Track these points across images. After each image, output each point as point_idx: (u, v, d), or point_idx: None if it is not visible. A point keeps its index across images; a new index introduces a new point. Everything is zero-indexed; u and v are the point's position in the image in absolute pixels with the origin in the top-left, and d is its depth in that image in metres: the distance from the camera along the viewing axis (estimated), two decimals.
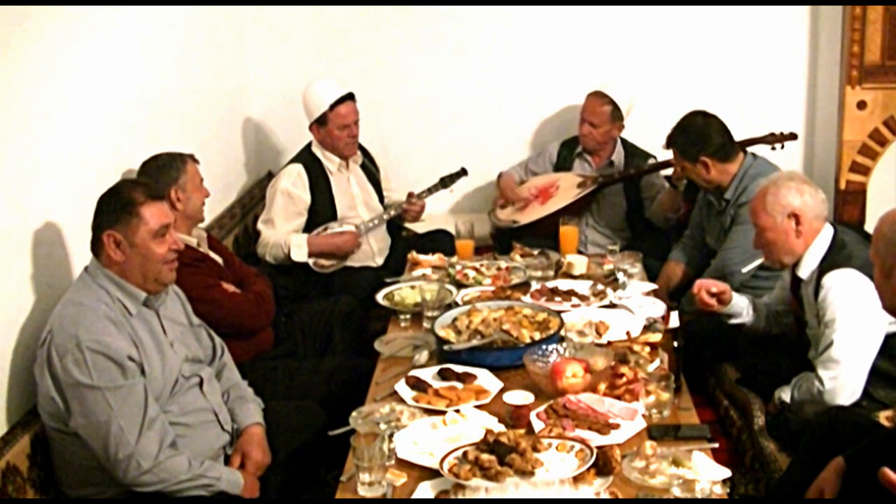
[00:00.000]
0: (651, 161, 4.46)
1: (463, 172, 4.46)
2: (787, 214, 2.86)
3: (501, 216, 4.58)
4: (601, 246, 4.37)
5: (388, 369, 2.95)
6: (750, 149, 3.81)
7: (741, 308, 3.16)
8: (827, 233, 2.88)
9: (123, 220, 2.44)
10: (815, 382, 2.75)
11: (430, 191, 4.39)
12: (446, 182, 4.42)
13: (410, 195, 4.36)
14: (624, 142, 4.57)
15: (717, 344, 3.51)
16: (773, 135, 4.13)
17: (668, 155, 3.91)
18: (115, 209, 2.45)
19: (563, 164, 4.60)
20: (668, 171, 4.23)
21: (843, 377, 2.72)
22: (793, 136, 4.15)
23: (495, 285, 3.56)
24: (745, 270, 3.24)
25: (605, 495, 2.14)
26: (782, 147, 4.12)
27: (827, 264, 2.82)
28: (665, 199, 4.29)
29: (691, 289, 3.75)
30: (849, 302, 2.72)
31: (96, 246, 2.47)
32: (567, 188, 4.45)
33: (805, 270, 2.90)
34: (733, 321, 3.19)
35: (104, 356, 2.31)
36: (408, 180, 4.53)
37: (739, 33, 4.84)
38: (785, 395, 2.88)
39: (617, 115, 4.41)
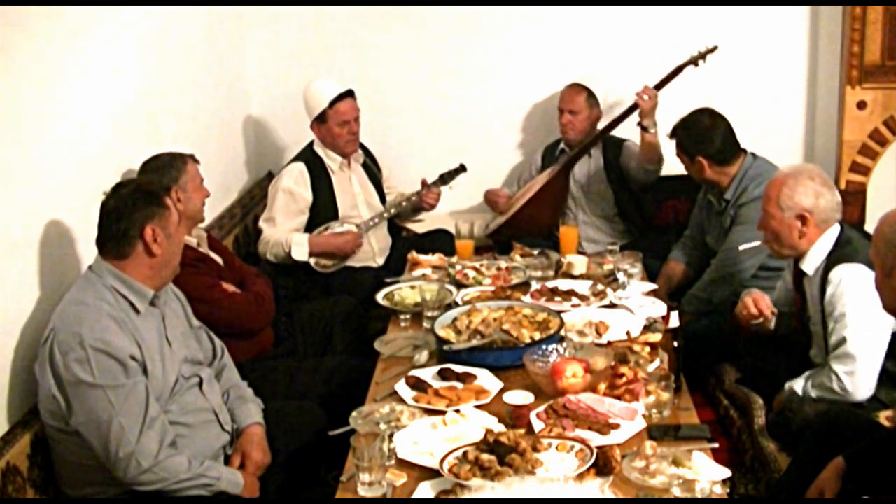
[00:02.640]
0: (624, 144, 4.46)
1: (462, 169, 4.46)
2: (795, 214, 2.86)
3: (492, 225, 4.65)
4: (596, 242, 4.39)
5: (388, 369, 2.95)
6: (751, 150, 3.80)
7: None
8: (834, 230, 2.88)
9: (159, 213, 2.48)
10: (833, 378, 2.72)
11: (435, 184, 4.40)
12: (445, 179, 4.42)
13: (424, 182, 4.37)
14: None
15: (717, 344, 3.51)
16: (693, 56, 4.24)
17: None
18: (148, 204, 2.47)
19: (547, 168, 4.61)
20: (630, 121, 4.26)
21: (861, 372, 2.69)
22: (713, 49, 4.23)
23: (495, 285, 3.56)
24: (742, 248, 3.21)
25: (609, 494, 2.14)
26: (704, 61, 4.21)
27: (834, 259, 2.82)
28: (641, 149, 4.23)
29: (691, 290, 3.78)
30: (858, 297, 2.70)
31: (128, 245, 2.45)
32: (541, 179, 4.51)
33: (810, 265, 2.89)
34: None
35: (107, 355, 2.31)
36: (408, 180, 4.53)
37: (739, 33, 4.83)
38: (797, 385, 2.84)
39: (593, 101, 4.48)
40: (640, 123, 4.16)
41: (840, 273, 2.75)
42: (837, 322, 2.74)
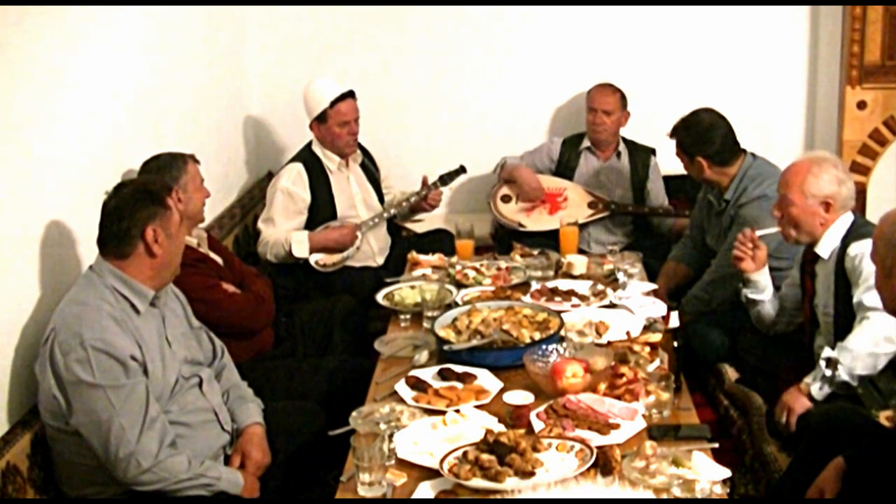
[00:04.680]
0: (653, 159, 4.57)
1: (462, 170, 4.46)
2: (820, 201, 2.90)
3: (505, 212, 4.58)
4: (603, 244, 4.39)
5: (388, 369, 2.95)
6: (751, 150, 3.80)
7: (766, 283, 3.15)
8: (848, 216, 2.93)
9: (160, 213, 2.47)
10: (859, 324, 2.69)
11: (435, 185, 4.40)
12: (445, 180, 4.43)
13: (425, 180, 4.38)
14: (624, 138, 4.62)
15: (717, 344, 3.51)
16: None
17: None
18: (150, 204, 2.47)
19: (566, 163, 4.61)
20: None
21: (872, 324, 2.66)
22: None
23: (495, 285, 3.56)
24: (759, 234, 3.23)
25: None
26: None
27: (850, 239, 2.85)
28: (684, 225, 4.30)
29: (691, 290, 3.77)
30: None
31: (129, 245, 2.45)
32: (577, 203, 4.50)
33: (825, 249, 2.93)
34: (753, 296, 3.17)
35: (107, 355, 2.31)
36: (408, 180, 4.53)
37: (739, 33, 4.84)
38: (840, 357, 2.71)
39: (624, 104, 4.53)
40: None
41: (859, 247, 2.78)
42: (860, 286, 2.74)
